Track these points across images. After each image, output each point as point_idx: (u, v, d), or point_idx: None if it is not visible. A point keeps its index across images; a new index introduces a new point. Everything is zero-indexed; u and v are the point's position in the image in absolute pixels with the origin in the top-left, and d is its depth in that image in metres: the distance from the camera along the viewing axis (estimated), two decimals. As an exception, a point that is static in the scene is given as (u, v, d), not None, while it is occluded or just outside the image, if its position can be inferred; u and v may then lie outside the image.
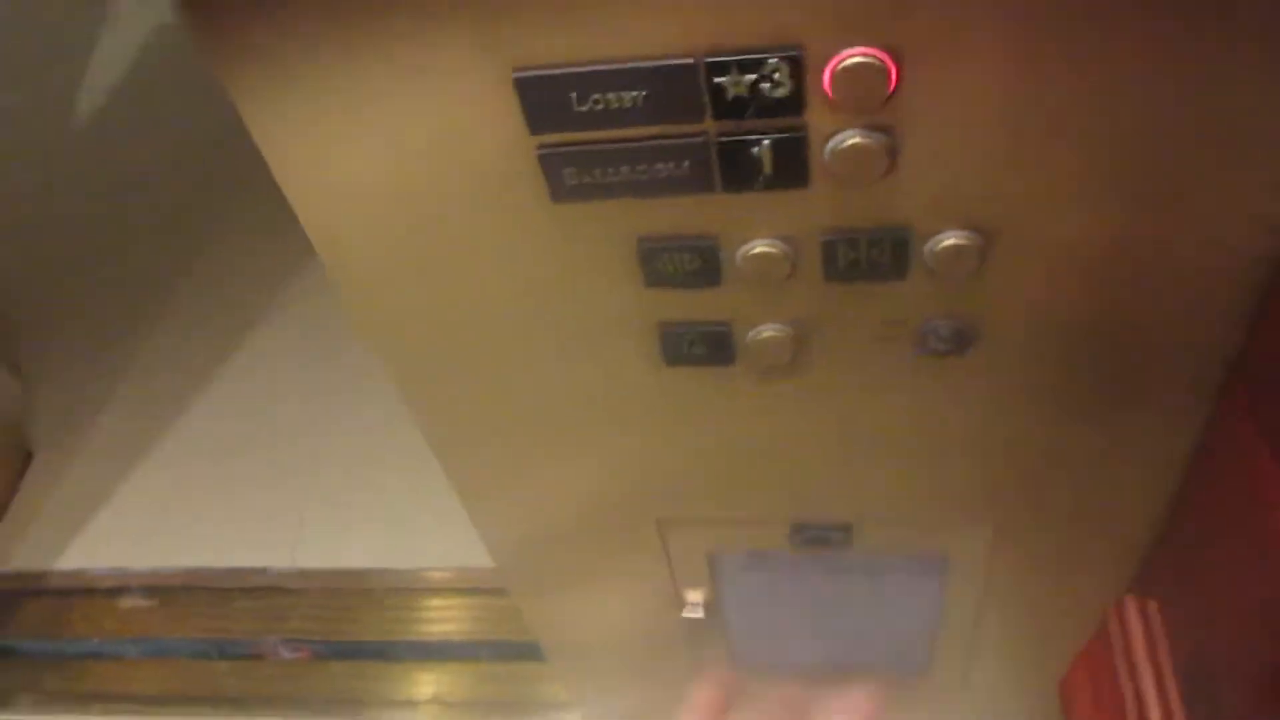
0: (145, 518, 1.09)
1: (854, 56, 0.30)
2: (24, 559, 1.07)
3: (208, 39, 0.32)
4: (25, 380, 1.21)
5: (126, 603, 1.05)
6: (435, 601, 0.97)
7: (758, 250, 0.37)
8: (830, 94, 0.31)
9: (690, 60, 0.31)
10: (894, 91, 0.31)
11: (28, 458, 1.14)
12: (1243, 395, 0.40)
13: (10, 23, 1.72)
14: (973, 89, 0.31)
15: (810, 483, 0.49)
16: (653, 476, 0.49)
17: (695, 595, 0.58)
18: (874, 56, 0.30)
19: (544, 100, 0.32)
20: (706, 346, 0.41)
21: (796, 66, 0.31)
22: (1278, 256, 0.35)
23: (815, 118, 0.32)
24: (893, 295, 0.39)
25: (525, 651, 0.90)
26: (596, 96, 0.32)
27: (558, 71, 0.31)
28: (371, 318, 0.42)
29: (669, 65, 0.31)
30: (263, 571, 1.03)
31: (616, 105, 0.32)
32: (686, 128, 0.33)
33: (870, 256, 0.37)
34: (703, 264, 0.38)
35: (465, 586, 0.96)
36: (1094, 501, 0.47)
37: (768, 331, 0.40)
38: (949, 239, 0.36)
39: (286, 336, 1.19)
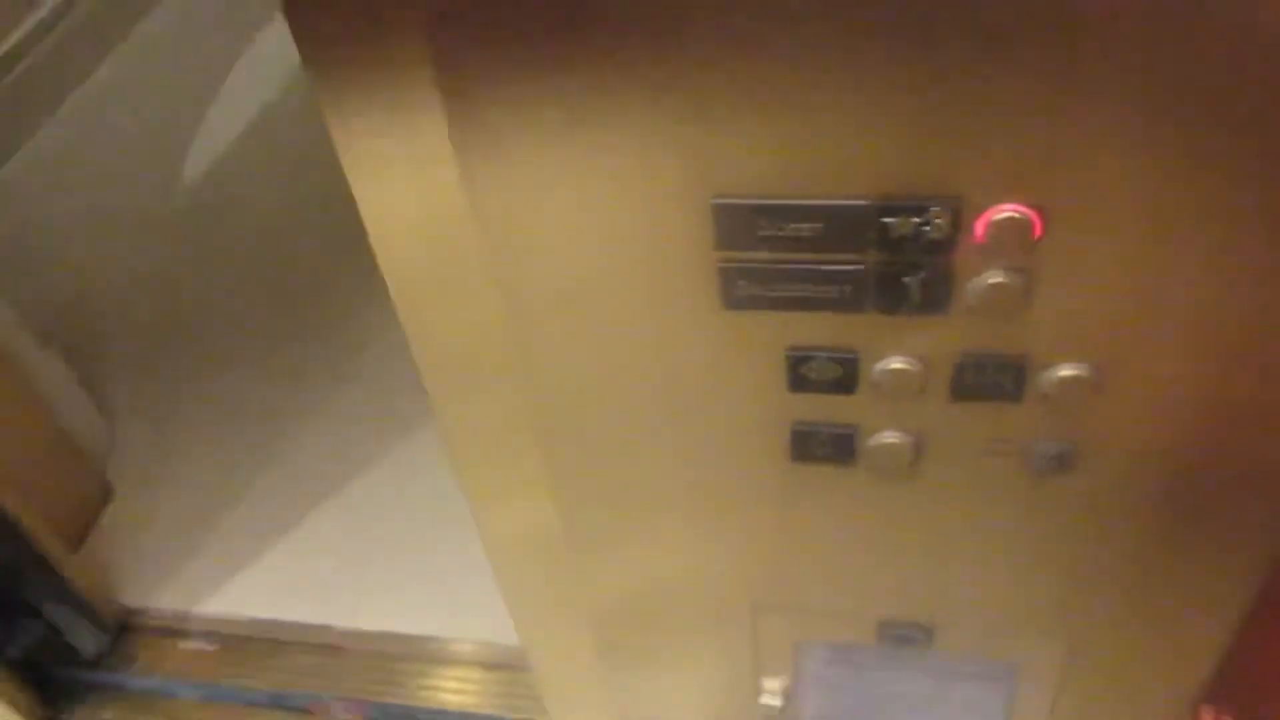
0: (217, 563, 1.13)
1: (1005, 211, 0.36)
2: (95, 591, 1.11)
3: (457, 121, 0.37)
4: (113, 417, 1.27)
5: (188, 645, 1.08)
6: (493, 675, 0.99)
7: (894, 366, 0.42)
8: (981, 239, 0.37)
9: (865, 202, 0.36)
10: (1037, 241, 0.36)
11: (109, 494, 1.19)
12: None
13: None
14: (1103, 246, 0.36)
15: (903, 582, 0.53)
16: (757, 561, 0.54)
17: (774, 683, 0.62)
18: (1022, 213, 0.36)
19: (734, 224, 0.38)
20: (832, 447, 0.46)
21: (955, 215, 0.36)
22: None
23: (963, 257, 0.38)
24: (1007, 416, 0.43)
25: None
26: (779, 226, 0.37)
27: (751, 202, 0.37)
28: (537, 381, 0.47)
29: (846, 205, 0.37)
30: (325, 629, 1.06)
31: (794, 234, 0.38)
32: (851, 256, 0.38)
33: (993, 379, 0.42)
34: (843, 374, 0.43)
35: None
36: (1168, 620, 0.51)
37: (890, 438, 0.45)
38: (1065, 370, 0.41)
39: (373, 399, 1.24)
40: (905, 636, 0.56)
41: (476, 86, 0.36)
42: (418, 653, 1.02)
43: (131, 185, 1.65)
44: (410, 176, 0.40)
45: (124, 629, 1.10)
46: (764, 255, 0.39)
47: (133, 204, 1.61)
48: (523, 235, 0.40)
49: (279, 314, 1.39)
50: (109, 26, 1.85)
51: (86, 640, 1.08)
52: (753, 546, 0.53)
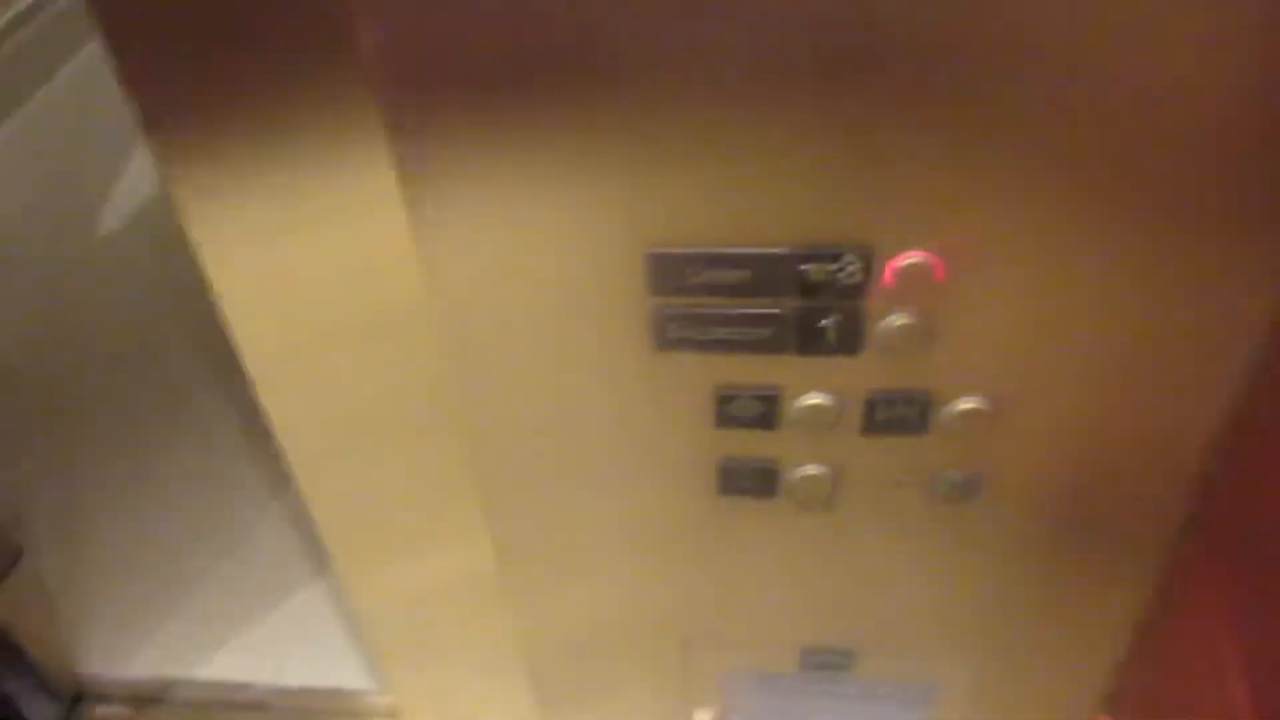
0: (130, 623, 1.10)
1: (910, 257, 0.40)
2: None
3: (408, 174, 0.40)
4: (21, 480, 1.23)
5: (103, 710, 1.05)
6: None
7: (812, 403, 0.45)
8: (889, 284, 0.40)
9: (785, 251, 0.40)
10: (939, 285, 0.40)
11: (17, 556, 1.16)
12: (1198, 545, 0.49)
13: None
14: (997, 289, 0.40)
15: (823, 610, 0.56)
16: (688, 595, 0.56)
17: (705, 715, 0.64)
18: (925, 258, 0.40)
19: (665, 272, 0.41)
20: (756, 480, 0.49)
21: (866, 262, 0.40)
22: (1223, 443, 0.44)
23: (874, 301, 0.41)
24: (915, 448, 0.47)
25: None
26: (708, 273, 0.41)
27: (682, 251, 0.40)
28: (477, 426, 0.49)
29: (768, 254, 0.40)
30: (244, 687, 1.05)
31: (721, 280, 0.41)
32: (774, 301, 0.41)
33: (901, 414, 0.45)
34: (765, 411, 0.46)
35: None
36: (1068, 634, 0.55)
37: (809, 471, 0.48)
38: (966, 404, 0.45)
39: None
40: (827, 662, 0.59)
41: (426, 139, 0.38)
42: (346, 708, 1.01)
43: (49, 227, 1.61)
44: (340, 227, 0.42)
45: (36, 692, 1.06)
46: (693, 301, 0.42)
47: (47, 249, 1.57)
48: (466, 281, 0.43)
49: (193, 369, 1.37)
50: (30, 69, 1.82)
51: (-9, 708, 1.04)
52: (684, 580, 0.55)
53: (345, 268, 0.43)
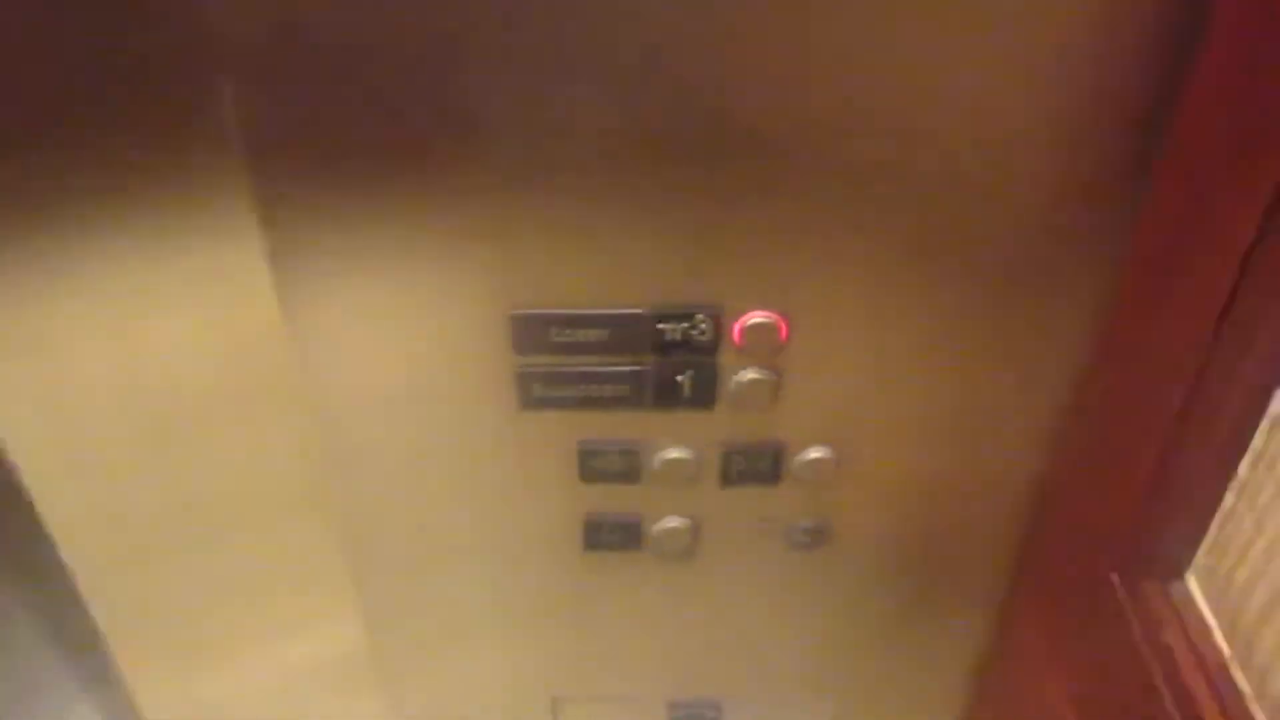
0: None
1: (757, 317, 0.43)
2: None
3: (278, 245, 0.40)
4: None
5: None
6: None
7: (671, 456, 0.47)
8: (739, 342, 0.43)
9: (642, 311, 0.42)
10: (784, 343, 0.43)
11: None
12: (1025, 588, 0.53)
13: None
14: (837, 346, 0.44)
15: (689, 662, 0.58)
16: (557, 656, 0.57)
17: (575, 776, 0.64)
18: (770, 318, 0.43)
19: (529, 333, 0.43)
20: (621, 534, 0.50)
21: (717, 322, 0.43)
22: (1041, 494, 0.49)
23: (726, 358, 0.44)
24: (768, 498, 0.50)
25: None
26: (570, 332, 0.43)
27: (545, 313, 0.42)
28: (348, 499, 0.49)
29: (627, 314, 0.42)
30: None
31: (584, 339, 0.43)
32: (633, 359, 0.44)
33: (754, 465, 0.48)
34: (628, 465, 0.48)
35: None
36: (922, 672, 0.58)
37: (671, 524, 0.50)
38: (813, 454, 0.48)
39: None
40: (695, 715, 0.60)
41: (294, 212, 0.39)
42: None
43: None
44: (207, 301, 0.42)
45: None
46: (556, 360, 0.44)
47: None
48: (335, 348, 0.43)
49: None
50: None
51: None
52: (552, 640, 0.56)
53: (207, 345, 0.43)
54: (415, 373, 0.44)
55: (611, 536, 0.51)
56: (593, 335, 0.43)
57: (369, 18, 0.34)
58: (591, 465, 0.47)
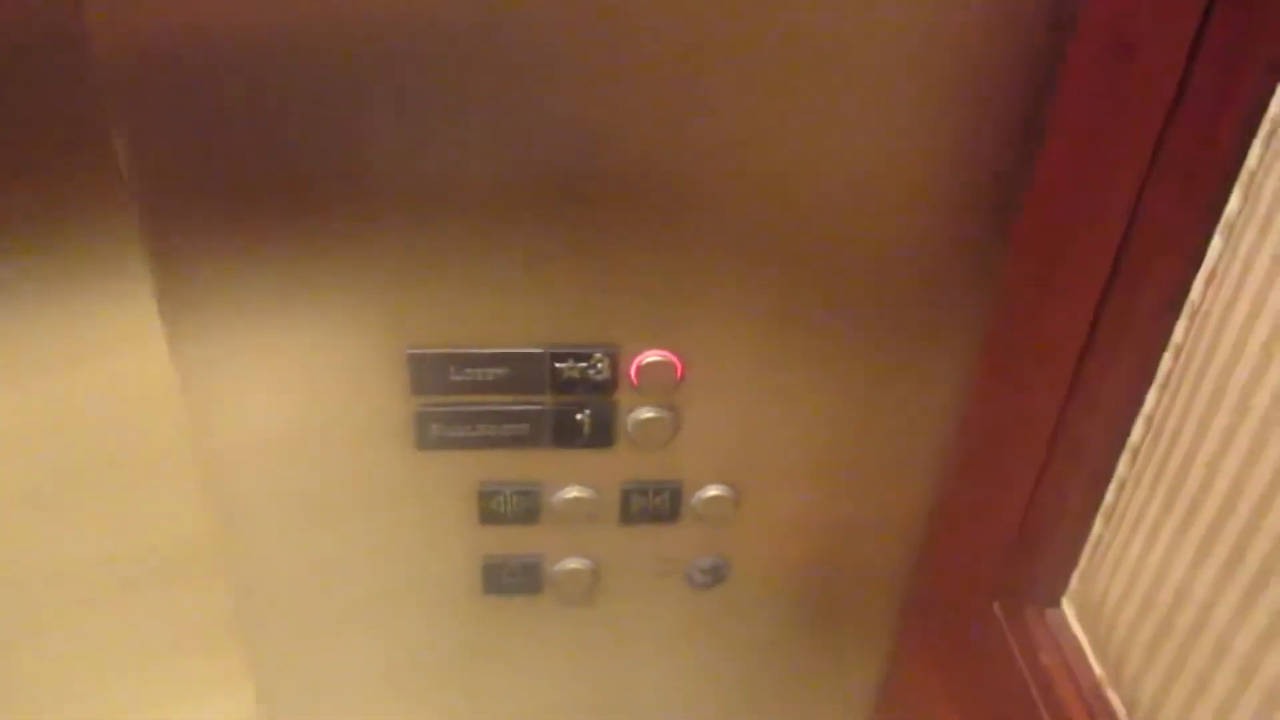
0: None
1: (653, 356, 0.44)
2: None
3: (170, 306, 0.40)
4: None
5: None
6: None
7: (571, 495, 0.48)
8: (636, 381, 0.44)
9: (540, 350, 0.43)
10: (680, 382, 0.45)
11: None
12: (915, 623, 0.54)
13: None
14: (730, 385, 0.45)
15: (594, 708, 0.57)
16: (456, 713, 0.56)
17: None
18: (665, 357, 0.44)
19: (427, 371, 0.43)
20: (521, 577, 0.50)
21: (613, 360, 0.44)
22: (928, 526, 0.51)
23: (623, 397, 0.45)
24: (668, 536, 0.50)
25: None
26: (468, 371, 0.43)
27: (442, 351, 0.42)
28: (242, 529, 0.48)
29: (525, 353, 0.43)
30: None
31: (482, 378, 0.43)
32: (531, 398, 0.44)
33: (653, 503, 0.49)
34: (527, 505, 0.48)
35: None
36: (822, 708, 0.59)
37: (572, 564, 0.50)
38: (710, 492, 0.49)
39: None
40: (598, 763, 0.60)
41: (187, 259, 0.39)
42: None
43: None
44: (97, 356, 0.41)
45: None
46: (455, 399, 0.44)
47: None
48: (228, 395, 0.43)
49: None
50: None
51: None
52: (451, 695, 0.55)
53: (98, 402, 0.43)
54: (310, 415, 0.44)
55: (512, 580, 0.51)
56: (491, 374, 0.43)
57: (261, 65, 0.35)
58: (491, 506, 0.48)
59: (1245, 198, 0.34)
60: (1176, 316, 0.38)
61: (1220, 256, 0.36)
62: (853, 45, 0.36)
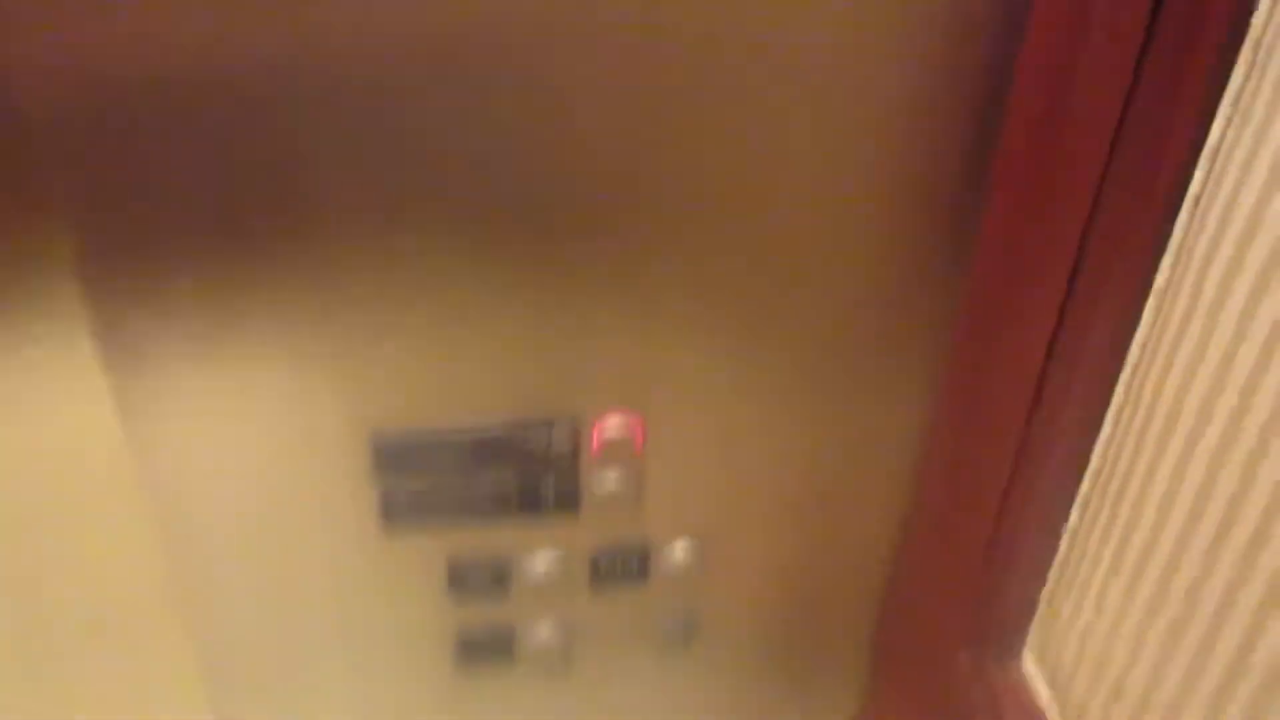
0: None
1: (614, 421, 0.45)
2: None
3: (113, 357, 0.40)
4: None
5: None
6: None
7: (540, 562, 0.48)
8: (597, 448, 0.45)
9: (503, 423, 0.44)
10: (641, 447, 0.45)
11: None
12: (880, 671, 0.55)
13: None
14: (693, 441, 0.46)
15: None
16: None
17: None
18: (625, 424, 0.45)
19: (390, 450, 0.43)
20: (493, 649, 0.51)
21: (575, 430, 0.44)
22: (894, 573, 0.51)
23: (587, 462, 0.46)
24: (638, 596, 0.51)
25: None
26: (431, 449, 0.44)
27: (405, 429, 0.43)
28: (194, 623, 0.48)
29: (488, 427, 0.44)
30: None
31: (445, 455, 0.44)
32: (496, 471, 0.45)
33: (622, 565, 0.49)
34: (497, 575, 0.48)
35: None
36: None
37: (544, 632, 0.51)
38: (679, 548, 0.49)
39: None
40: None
41: (133, 319, 0.39)
42: None
43: None
44: (48, 417, 0.42)
45: None
46: (419, 477, 0.44)
47: None
48: (184, 464, 0.43)
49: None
50: None
51: None
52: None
53: (49, 462, 0.43)
54: (271, 494, 0.44)
55: (485, 651, 0.51)
56: (454, 451, 0.44)
57: (205, 121, 0.35)
58: (461, 580, 0.48)
59: (1189, 228, 0.36)
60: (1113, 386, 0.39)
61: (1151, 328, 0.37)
62: (799, 100, 0.37)
